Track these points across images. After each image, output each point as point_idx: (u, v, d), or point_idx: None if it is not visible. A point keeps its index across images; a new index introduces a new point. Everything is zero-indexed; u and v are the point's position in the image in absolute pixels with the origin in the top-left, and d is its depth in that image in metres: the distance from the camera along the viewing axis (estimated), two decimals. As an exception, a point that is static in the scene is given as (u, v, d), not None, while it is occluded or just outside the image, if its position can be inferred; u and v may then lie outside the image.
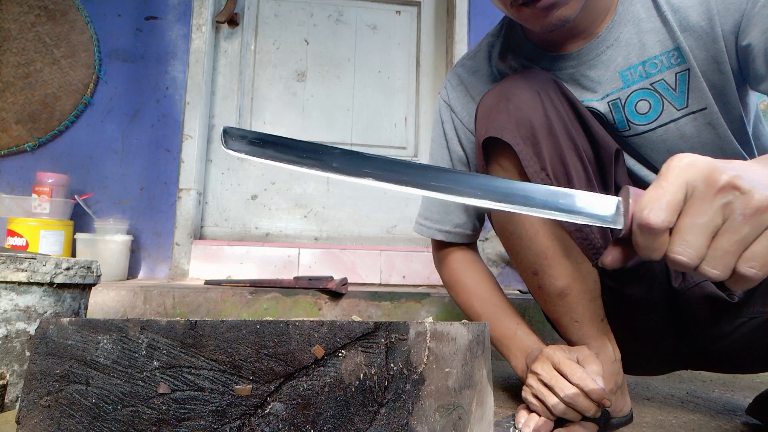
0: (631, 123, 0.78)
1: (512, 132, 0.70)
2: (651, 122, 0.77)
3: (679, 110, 0.76)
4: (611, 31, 0.76)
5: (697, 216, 0.39)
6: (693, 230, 0.39)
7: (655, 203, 0.39)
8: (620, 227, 0.43)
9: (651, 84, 0.76)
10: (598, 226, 0.70)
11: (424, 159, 2.08)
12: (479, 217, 0.93)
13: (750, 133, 0.79)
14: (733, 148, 0.76)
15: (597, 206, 0.44)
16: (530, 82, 0.73)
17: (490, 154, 0.75)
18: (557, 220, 0.70)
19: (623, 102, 0.78)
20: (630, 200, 0.42)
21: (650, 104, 0.77)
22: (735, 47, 0.70)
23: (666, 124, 0.77)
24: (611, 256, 0.45)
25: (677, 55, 0.73)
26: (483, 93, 0.82)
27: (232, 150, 0.45)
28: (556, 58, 0.80)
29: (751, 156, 0.79)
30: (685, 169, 0.40)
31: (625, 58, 0.76)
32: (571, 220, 0.44)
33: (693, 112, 0.75)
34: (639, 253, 0.42)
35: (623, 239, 0.44)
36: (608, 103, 0.78)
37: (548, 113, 0.71)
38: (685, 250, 0.39)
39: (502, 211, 0.45)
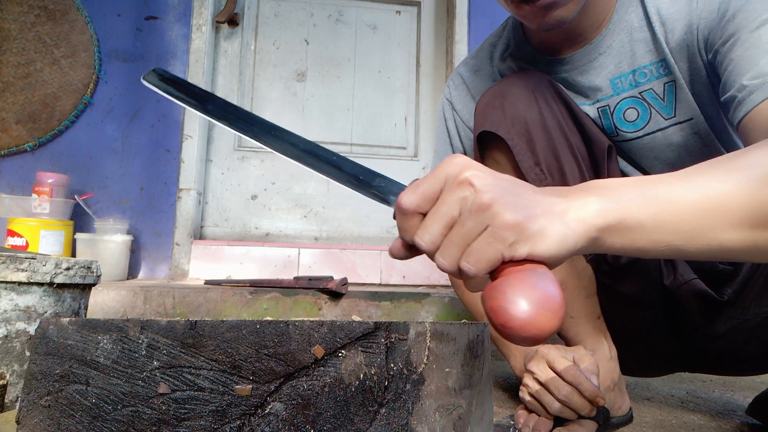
0: (619, 130, 0.79)
1: (507, 128, 0.71)
2: (638, 130, 0.78)
3: (666, 119, 0.76)
4: (605, 39, 0.76)
5: (439, 205, 0.40)
6: (433, 218, 0.40)
7: (411, 188, 0.41)
8: (390, 206, 0.45)
9: (640, 93, 0.76)
10: None
11: (424, 159, 2.08)
12: None
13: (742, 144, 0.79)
14: None
15: (386, 186, 0.46)
16: (526, 81, 0.74)
17: (485, 149, 0.76)
18: None
19: (612, 109, 0.78)
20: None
21: (638, 112, 0.77)
22: (709, 60, 0.71)
23: (653, 132, 0.77)
24: (394, 245, 0.45)
25: (664, 65, 0.74)
26: (483, 92, 0.83)
27: (148, 83, 0.52)
28: (551, 62, 0.81)
29: None
30: (447, 165, 0.41)
31: (616, 66, 0.76)
32: (360, 192, 0.47)
33: (680, 122, 0.75)
34: (399, 234, 0.44)
35: None
36: (597, 109, 0.79)
37: (543, 111, 0.72)
38: (423, 235, 0.40)
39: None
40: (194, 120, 1.86)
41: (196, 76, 1.87)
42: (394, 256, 0.45)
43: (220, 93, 2.02)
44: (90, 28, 1.83)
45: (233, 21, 1.99)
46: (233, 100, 2.02)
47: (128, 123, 1.85)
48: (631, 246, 0.44)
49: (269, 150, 0.51)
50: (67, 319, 0.42)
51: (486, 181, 0.39)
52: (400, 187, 0.45)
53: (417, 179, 0.43)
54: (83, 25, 1.82)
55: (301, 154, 0.49)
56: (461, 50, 2.00)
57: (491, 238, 0.38)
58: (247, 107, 2.03)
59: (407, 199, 0.41)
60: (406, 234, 0.42)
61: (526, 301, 0.36)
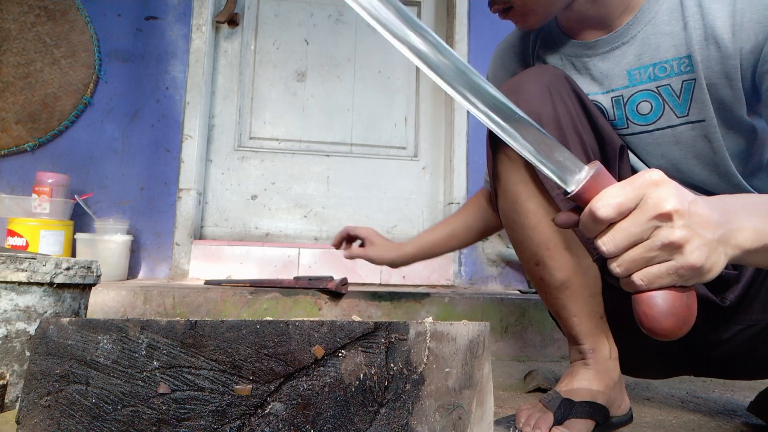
0: (630, 122, 0.79)
1: None
2: (649, 124, 0.78)
3: (678, 117, 0.76)
4: (629, 28, 0.76)
5: (632, 225, 0.44)
6: (622, 233, 0.44)
7: (610, 200, 0.44)
8: (569, 190, 0.47)
9: (656, 87, 0.76)
10: None
11: (424, 159, 2.08)
12: None
13: (764, 158, 0.78)
14: (726, 166, 0.75)
15: (567, 163, 0.47)
16: (542, 77, 0.75)
17: (498, 143, 0.76)
18: (558, 211, 0.71)
19: (625, 100, 0.78)
20: (589, 178, 0.46)
21: (651, 106, 0.77)
22: (753, 69, 0.69)
23: (663, 128, 0.77)
24: (565, 217, 0.49)
25: (688, 63, 0.73)
26: (513, 67, 0.91)
27: None
28: (576, 45, 0.82)
29: (753, 181, 0.78)
30: (649, 184, 0.44)
31: (637, 57, 0.76)
32: (539, 164, 0.47)
33: (692, 122, 0.75)
34: (579, 225, 0.47)
35: (579, 208, 0.48)
36: (611, 98, 0.79)
37: (557, 108, 0.72)
38: (609, 245, 0.45)
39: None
40: (194, 120, 1.86)
41: (196, 76, 1.87)
42: (561, 223, 0.49)
43: (220, 93, 2.02)
44: (90, 28, 1.83)
45: (233, 21, 1.99)
46: (233, 100, 2.02)
47: (128, 123, 1.85)
48: (759, 263, 0.51)
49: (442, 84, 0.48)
50: (67, 319, 0.42)
51: (682, 221, 0.43)
52: (580, 168, 0.47)
53: (603, 176, 0.46)
54: (83, 25, 1.82)
55: (487, 110, 0.48)
56: (461, 50, 2.00)
57: (672, 271, 0.44)
58: (247, 107, 2.03)
59: (605, 212, 0.44)
60: (588, 232, 0.46)
61: (672, 317, 0.45)
